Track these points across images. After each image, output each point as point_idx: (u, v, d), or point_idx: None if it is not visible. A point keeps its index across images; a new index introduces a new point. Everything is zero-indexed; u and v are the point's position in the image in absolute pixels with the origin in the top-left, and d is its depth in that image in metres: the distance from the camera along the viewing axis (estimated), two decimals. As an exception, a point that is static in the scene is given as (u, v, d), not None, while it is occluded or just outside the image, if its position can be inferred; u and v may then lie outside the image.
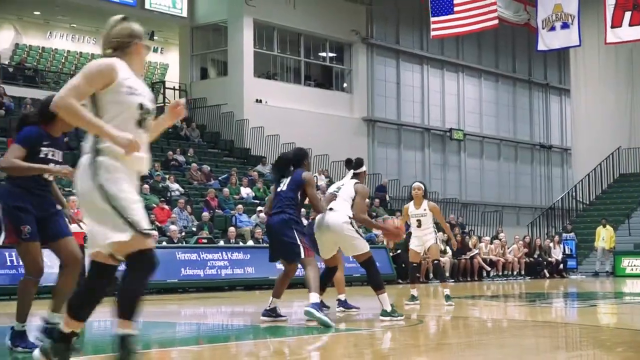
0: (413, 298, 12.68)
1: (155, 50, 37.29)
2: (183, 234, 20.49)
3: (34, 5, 31.42)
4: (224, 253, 19.07)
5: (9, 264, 16.18)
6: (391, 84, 35.92)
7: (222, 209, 23.31)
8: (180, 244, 19.55)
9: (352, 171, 10.24)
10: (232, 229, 21.08)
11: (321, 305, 11.27)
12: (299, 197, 9.59)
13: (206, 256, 19.16)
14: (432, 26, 30.03)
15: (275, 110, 30.77)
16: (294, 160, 9.76)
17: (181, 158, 26.75)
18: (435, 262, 13.14)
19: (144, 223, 4.66)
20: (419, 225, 12.54)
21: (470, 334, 8.92)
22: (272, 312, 9.72)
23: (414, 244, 12.69)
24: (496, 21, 29.27)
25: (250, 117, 30.25)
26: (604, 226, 28.53)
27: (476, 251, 25.76)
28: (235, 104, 30.76)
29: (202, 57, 33.62)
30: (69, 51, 35.61)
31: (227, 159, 29.42)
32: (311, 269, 9.25)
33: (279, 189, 9.66)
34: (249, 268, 19.32)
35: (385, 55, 35.65)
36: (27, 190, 6.61)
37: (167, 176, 24.08)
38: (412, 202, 12.77)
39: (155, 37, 36.28)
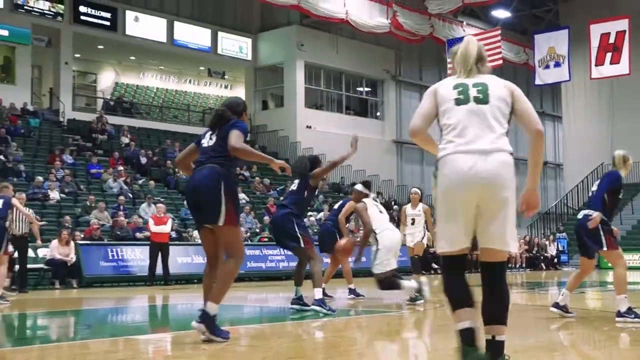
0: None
1: (225, 87, 37.55)
2: (249, 234, 20.59)
3: (130, 51, 31.82)
4: (281, 250, 19.09)
5: (110, 257, 16.34)
6: (415, 113, 35.76)
7: (279, 213, 23.33)
8: (246, 242, 19.66)
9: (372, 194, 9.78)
10: (287, 229, 21.03)
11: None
12: (308, 196, 9.05)
13: (267, 252, 19.24)
14: (449, 65, 29.80)
15: (321, 134, 30.76)
16: (311, 166, 9.21)
17: (247, 173, 26.89)
18: (416, 257, 12.35)
19: None
20: (413, 223, 12.32)
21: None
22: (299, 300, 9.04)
23: (408, 240, 12.31)
24: (500, 61, 29.10)
25: (302, 140, 30.30)
26: (591, 228, 28.09)
27: (485, 248, 25.46)
28: (290, 129, 30.86)
29: (263, 92, 33.79)
30: (157, 88, 35.96)
31: (284, 174, 29.50)
32: (315, 264, 8.65)
33: (290, 188, 9.28)
34: (301, 261, 19.35)
35: (410, 90, 35.50)
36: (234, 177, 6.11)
37: (235, 187, 24.20)
38: (409, 204, 12.66)
39: (225, 76, 36.57)
